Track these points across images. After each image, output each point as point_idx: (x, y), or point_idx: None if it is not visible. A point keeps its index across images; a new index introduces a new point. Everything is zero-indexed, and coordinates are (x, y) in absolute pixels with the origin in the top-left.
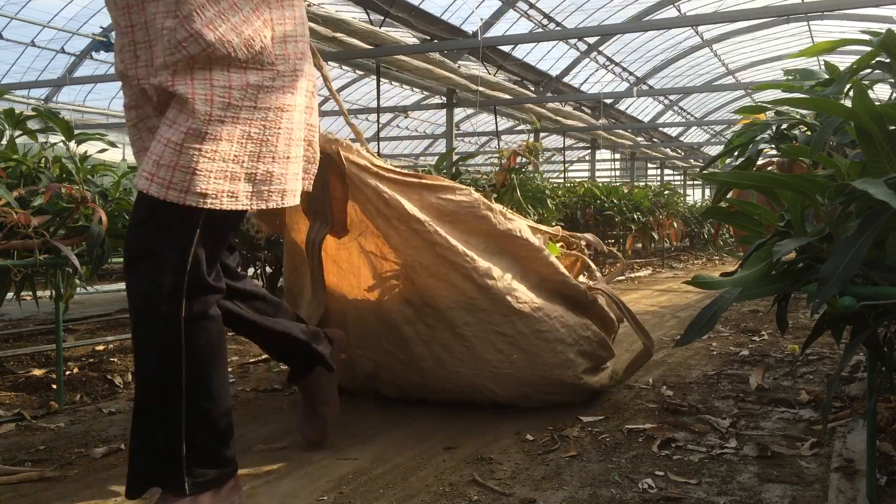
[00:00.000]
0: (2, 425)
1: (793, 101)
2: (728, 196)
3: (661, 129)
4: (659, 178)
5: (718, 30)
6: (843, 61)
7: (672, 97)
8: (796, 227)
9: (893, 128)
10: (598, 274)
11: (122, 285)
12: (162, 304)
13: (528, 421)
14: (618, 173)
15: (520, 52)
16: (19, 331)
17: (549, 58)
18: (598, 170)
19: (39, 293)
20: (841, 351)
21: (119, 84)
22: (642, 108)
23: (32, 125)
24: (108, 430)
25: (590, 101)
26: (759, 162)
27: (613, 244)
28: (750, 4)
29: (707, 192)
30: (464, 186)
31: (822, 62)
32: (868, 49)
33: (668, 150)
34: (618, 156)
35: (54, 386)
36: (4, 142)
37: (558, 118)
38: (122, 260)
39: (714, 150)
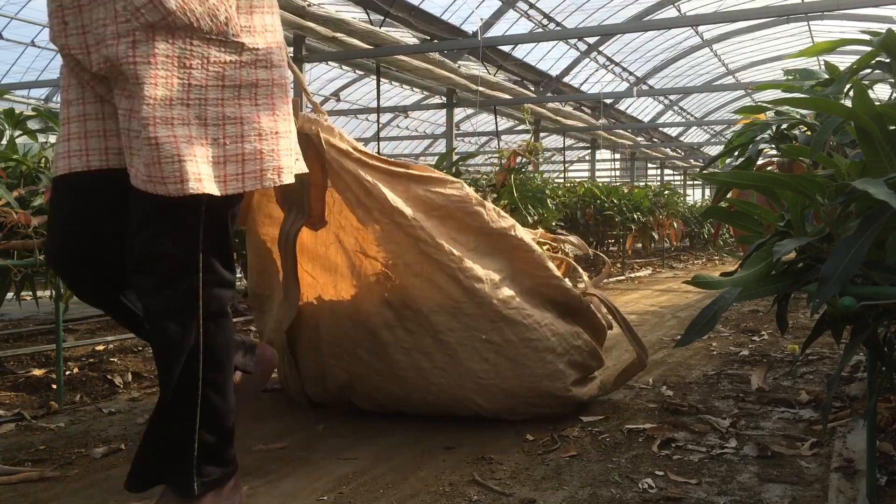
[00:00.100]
0: (2, 425)
1: (793, 101)
2: (728, 196)
3: (661, 129)
4: (659, 178)
5: (718, 30)
6: (843, 61)
7: (672, 97)
8: (796, 227)
9: (893, 128)
10: (585, 277)
11: None
12: (180, 308)
13: (528, 420)
14: (618, 173)
15: (520, 52)
16: (19, 331)
17: (549, 58)
18: (598, 170)
19: (39, 293)
20: (841, 351)
21: None
22: (642, 108)
23: (32, 125)
24: (108, 430)
25: (590, 101)
26: (759, 162)
27: (613, 244)
28: (750, 4)
29: (707, 192)
30: (455, 179)
31: (822, 62)
32: (868, 49)
33: (668, 150)
34: (618, 156)
35: (54, 386)
36: (4, 142)
37: (558, 118)
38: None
39: (714, 150)
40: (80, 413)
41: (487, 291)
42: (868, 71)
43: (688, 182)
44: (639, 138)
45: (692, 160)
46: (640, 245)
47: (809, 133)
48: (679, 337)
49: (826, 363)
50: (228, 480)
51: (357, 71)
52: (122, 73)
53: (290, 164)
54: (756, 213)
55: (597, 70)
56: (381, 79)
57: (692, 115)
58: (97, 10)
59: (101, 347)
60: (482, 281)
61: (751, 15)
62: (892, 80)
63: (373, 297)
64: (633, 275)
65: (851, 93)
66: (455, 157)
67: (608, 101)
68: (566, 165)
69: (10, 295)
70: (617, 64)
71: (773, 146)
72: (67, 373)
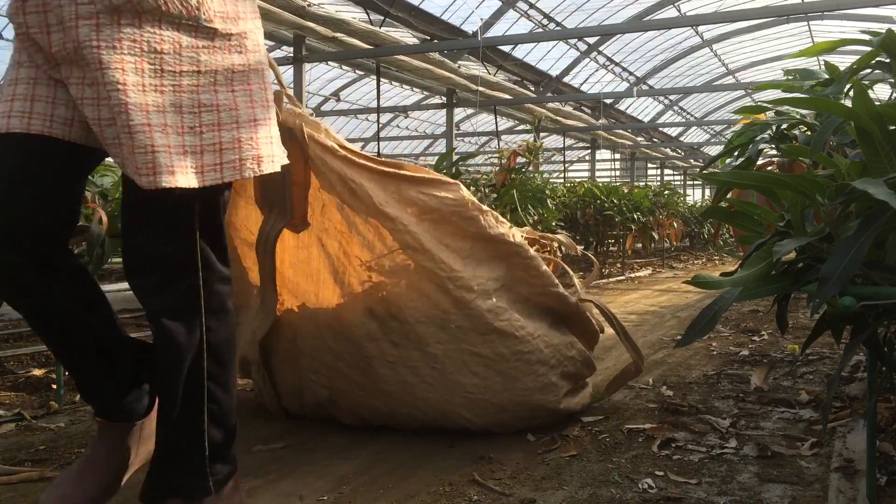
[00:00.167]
0: (2, 425)
1: (793, 101)
2: (728, 196)
3: (661, 129)
4: (659, 178)
5: (718, 30)
6: (843, 61)
7: (672, 97)
8: (796, 227)
9: (893, 128)
10: (575, 279)
11: (122, 285)
12: (182, 307)
13: None
14: (618, 173)
15: (520, 52)
16: (19, 331)
17: (549, 58)
18: (598, 170)
19: None
20: (841, 351)
21: None
22: (642, 108)
23: None
24: None
25: (590, 101)
26: (759, 162)
27: (613, 244)
28: (750, 4)
29: (707, 192)
30: (452, 181)
31: (822, 62)
32: (868, 49)
33: (668, 150)
34: (618, 156)
35: (54, 386)
36: None
37: (558, 118)
38: (122, 259)
39: (714, 150)
40: (80, 413)
41: (478, 303)
42: (868, 71)
43: (688, 182)
44: (639, 138)
45: (692, 160)
46: (640, 245)
47: (809, 133)
48: (679, 337)
49: (826, 363)
50: (229, 480)
51: (357, 71)
52: (82, 59)
53: (270, 154)
54: (756, 213)
55: (597, 70)
56: (381, 79)
57: (692, 115)
58: None
59: None
60: (473, 291)
61: (751, 15)
62: (892, 80)
63: (356, 307)
64: (633, 275)
65: (851, 93)
66: (455, 157)
67: (608, 101)
68: (566, 165)
69: None
70: (617, 64)
71: (773, 146)
72: (67, 373)
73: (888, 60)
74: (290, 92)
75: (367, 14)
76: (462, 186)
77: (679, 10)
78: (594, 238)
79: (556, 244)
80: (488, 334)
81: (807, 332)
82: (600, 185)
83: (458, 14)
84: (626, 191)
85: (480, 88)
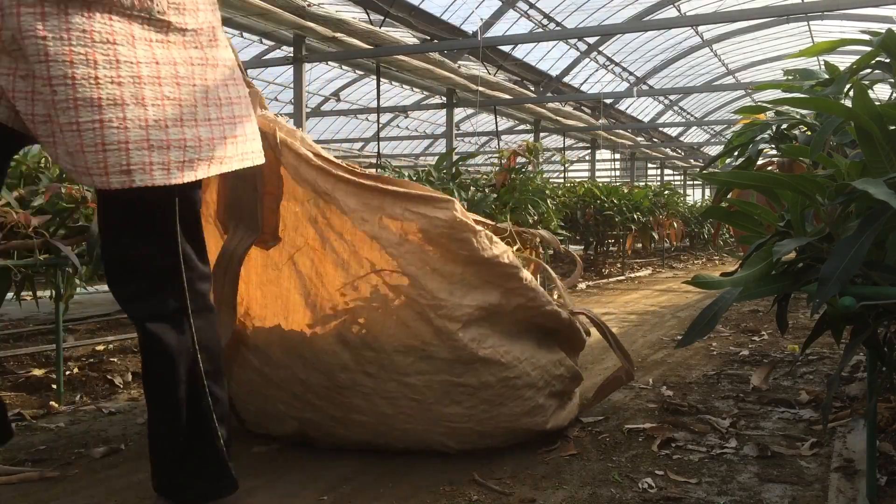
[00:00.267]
0: None
1: (793, 101)
2: (728, 196)
3: (661, 129)
4: (659, 178)
5: (718, 30)
6: (843, 61)
7: (672, 97)
8: (796, 227)
9: (893, 128)
10: (558, 282)
11: None
12: (171, 311)
13: None
14: (618, 173)
15: (520, 52)
16: (19, 331)
17: (549, 58)
18: (598, 170)
19: (39, 293)
20: (841, 351)
21: None
22: (642, 108)
23: None
24: (108, 430)
25: (590, 101)
26: (759, 162)
27: (613, 244)
28: (750, 4)
29: (707, 192)
30: (443, 198)
31: (822, 62)
32: (868, 49)
33: (668, 150)
34: (618, 156)
35: (54, 386)
36: None
37: (558, 118)
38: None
39: (714, 150)
40: (80, 413)
41: (461, 334)
42: (868, 71)
43: (688, 182)
44: (639, 138)
45: (692, 160)
46: (640, 245)
47: (809, 133)
48: (679, 337)
49: (826, 363)
50: None
51: (357, 71)
52: (18, 49)
53: (223, 154)
54: (756, 213)
55: (597, 70)
56: (381, 79)
57: (692, 115)
58: None
59: (101, 347)
60: (457, 321)
61: (751, 15)
62: (892, 80)
63: (328, 334)
64: (633, 275)
65: (851, 93)
66: (455, 158)
67: (608, 101)
68: (566, 165)
69: (10, 295)
70: (617, 64)
71: (773, 146)
72: (67, 373)
73: (888, 60)
74: (290, 92)
75: (367, 14)
76: (455, 203)
77: (679, 10)
78: (594, 238)
79: (538, 239)
80: (472, 363)
81: (807, 332)
82: (600, 185)
83: (458, 14)
84: (626, 191)
85: (480, 88)
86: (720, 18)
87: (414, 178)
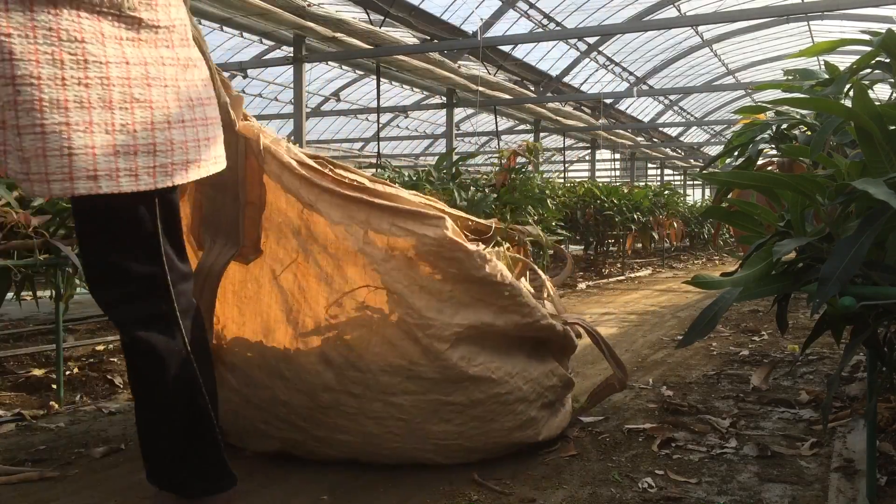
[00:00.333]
0: (2, 425)
1: (793, 101)
2: (728, 196)
3: (661, 129)
4: (659, 178)
5: (718, 30)
6: (843, 61)
7: (672, 97)
8: (796, 227)
9: (893, 128)
10: (546, 280)
11: None
12: (159, 314)
13: None
14: (618, 173)
15: (520, 52)
16: (19, 331)
17: (549, 58)
18: (598, 170)
19: (39, 293)
20: (841, 351)
21: None
22: (642, 108)
23: None
24: (108, 430)
25: (590, 101)
26: (759, 162)
27: (613, 244)
28: (750, 4)
29: (707, 192)
30: (434, 214)
31: (822, 62)
32: (868, 49)
33: (668, 150)
34: (618, 156)
35: (54, 386)
36: None
37: (558, 118)
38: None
39: (714, 150)
40: (80, 413)
41: (449, 353)
42: (868, 71)
43: (688, 182)
44: (639, 138)
45: (692, 160)
46: (640, 245)
47: (809, 133)
48: (679, 337)
49: (826, 363)
50: None
51: (357, 71)
52: None
53: (197, 158)
54: (756, 213)
55: (597, 70)
56: (381, 79)
57: (692, 115)
58: None
59: (101, 347)
60: (445, 340)
61: (751, 15)
62: (892, 80)
63: (310, 353)
64: (633, 275)
65: (851, 93)
66: (455, 158)
67: (608, 101)
68: (566, 165)
69: (10, 295)
70: (617, 64)
71: (773, 146)
72: (67, 373)
73: (888, 60)
74: (290, 92)
75: (367, 14)
76: (447, 221)
77: (679, 10)
78: (594, 238)
79: (525, 236)
80: (462, 382)
81: (807, 332)
82: (600, 185)
83: (458, 14)
84: (626, 191)
85: (480, 88)
86: (720, 18)
87: (414, 178)
